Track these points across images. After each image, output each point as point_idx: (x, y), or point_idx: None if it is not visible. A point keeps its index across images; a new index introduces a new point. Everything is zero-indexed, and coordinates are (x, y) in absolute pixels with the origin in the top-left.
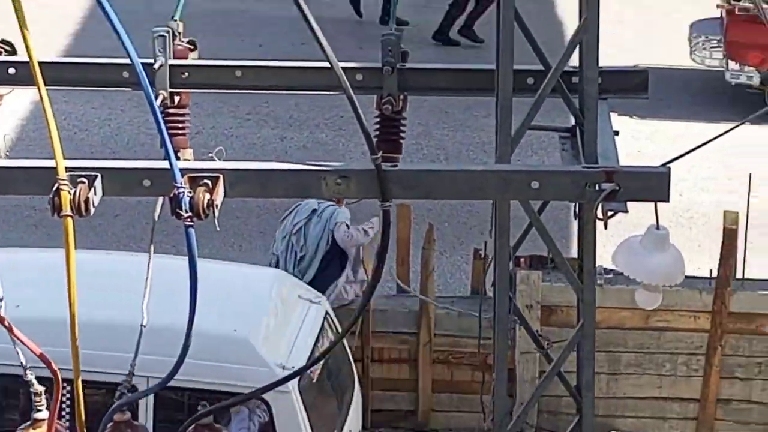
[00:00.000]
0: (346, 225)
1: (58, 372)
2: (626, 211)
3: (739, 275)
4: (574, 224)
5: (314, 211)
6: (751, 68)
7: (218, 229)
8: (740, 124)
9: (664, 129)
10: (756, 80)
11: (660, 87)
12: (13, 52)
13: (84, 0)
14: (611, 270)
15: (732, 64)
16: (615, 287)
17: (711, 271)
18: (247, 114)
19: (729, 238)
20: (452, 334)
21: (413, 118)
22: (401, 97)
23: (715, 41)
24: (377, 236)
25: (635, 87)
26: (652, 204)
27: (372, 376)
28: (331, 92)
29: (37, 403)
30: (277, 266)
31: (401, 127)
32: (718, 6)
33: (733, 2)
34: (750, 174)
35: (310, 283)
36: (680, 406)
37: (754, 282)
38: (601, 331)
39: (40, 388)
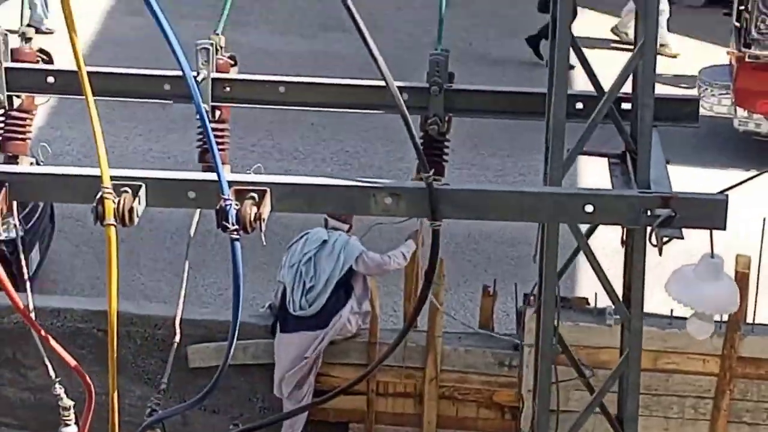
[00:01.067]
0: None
1: (92, 385)
2: (681, 238)
3: (749, 320)
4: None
5: (324, 241)
6: (759, 116)
7: (264, 244)
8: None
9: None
10: (764, 128)
11: (666, 132)
12: (50, 62)
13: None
14: None
15: (740, 112)
16: None
17: (721, 314)
18: (252, 146)
19: (740, 282)
20: (459, 370)
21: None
22: (446, 118)
23: (723, 88)
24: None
25: (686, 116)
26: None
27: (377, 410)
28: (374, 110)
29: (65, 418)
30: (284, 294)
31: (445, 149)
32: (727, 53)
33: (743, 50)
34: (765, 219)
35: (317, 314)
36: None
37: (764, 327)
38: (608, 372)
39: (69, 403)
